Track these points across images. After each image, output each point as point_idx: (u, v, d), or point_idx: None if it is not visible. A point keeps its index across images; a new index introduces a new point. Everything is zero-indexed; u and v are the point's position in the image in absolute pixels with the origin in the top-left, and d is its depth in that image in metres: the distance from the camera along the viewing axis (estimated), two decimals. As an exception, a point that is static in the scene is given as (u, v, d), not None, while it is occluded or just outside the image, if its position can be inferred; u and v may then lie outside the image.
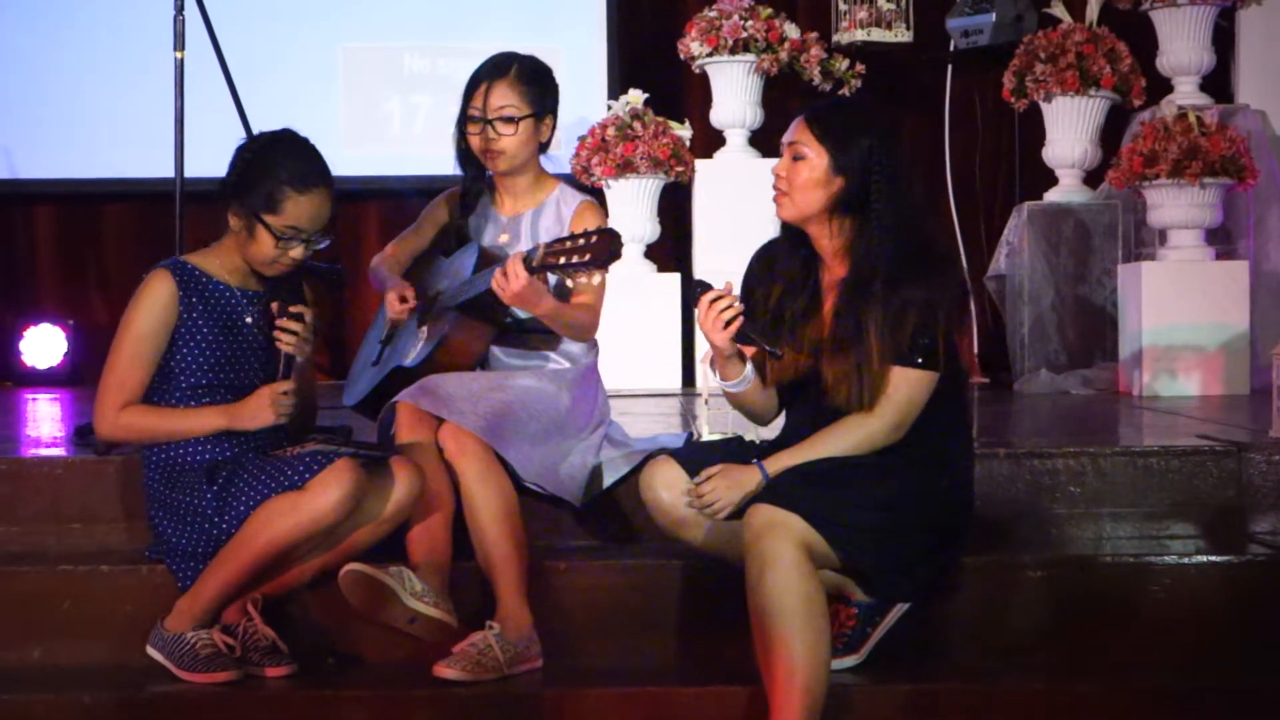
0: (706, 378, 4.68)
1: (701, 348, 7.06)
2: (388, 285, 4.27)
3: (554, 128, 4.30)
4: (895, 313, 3.68)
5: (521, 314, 4.15)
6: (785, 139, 3.81)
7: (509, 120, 4.19)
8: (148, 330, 3.93)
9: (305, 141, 4.01)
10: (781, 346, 3.75)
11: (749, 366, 3.80)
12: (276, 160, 3.94)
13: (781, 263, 3.87)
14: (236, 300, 4.01)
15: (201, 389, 3.96)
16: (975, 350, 8.01)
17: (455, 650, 3.80)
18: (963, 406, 3.92)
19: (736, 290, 3.79)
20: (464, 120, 4.25)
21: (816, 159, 3.75)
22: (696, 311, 3.76)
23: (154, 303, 3.94)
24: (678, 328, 7.59)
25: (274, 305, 3.96)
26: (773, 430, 4.01)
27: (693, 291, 3.79)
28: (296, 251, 3.95)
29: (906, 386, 3.71)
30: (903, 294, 3.68)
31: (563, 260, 3.84)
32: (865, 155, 3.73)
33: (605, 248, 3.81)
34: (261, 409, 3.91)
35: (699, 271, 7.64)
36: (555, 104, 4.29)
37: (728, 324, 3.71)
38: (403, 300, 4.20)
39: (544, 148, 4.31)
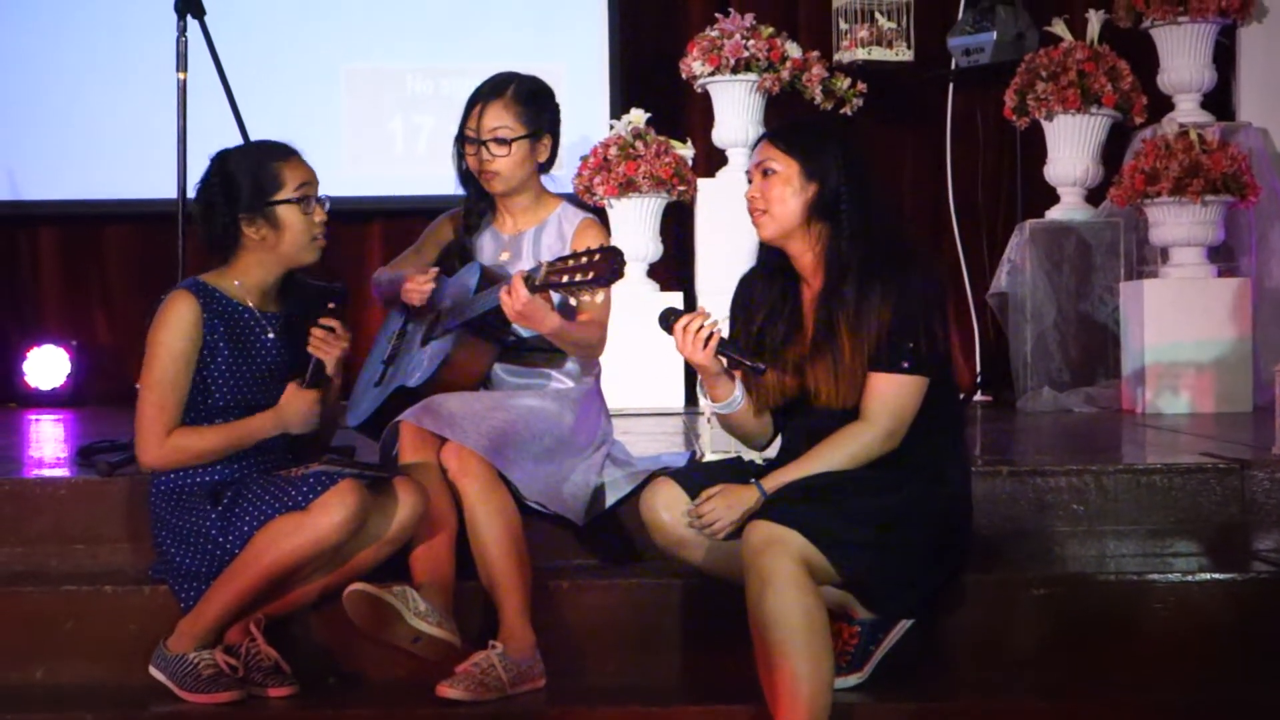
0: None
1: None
2: (400, 277, 4.26)
3: (553, 148, 4.29)
4: (866, 310, 3.72)
5: (524, 332, 4.15)
6: (752, 163, 3.87)
7: (502, 141, 4.20)
8: (178, 351, 3.93)
9: (246, 143, 4.11)
10: (764, 362, 3.77)
11: (738, 387, 3.82)
12: (243, 157, 4.02)
13: (760, 290, 3.91)
14: (256, 320, 4.02)
15: (219, 410, 3.96)
16: (978, 368, 8.01)
17: (458, 670, 3.80)
18: (956, 416, 3.94)
19: (717, 317, 3.82)
20: (461, 140, 4.26)
21: (787, 170, 3.80)
22: (674, 340, 3.78)
23: (180, 322, 3.94)
24: (680, 346, 7.58)
25: (330, 305, 3.99)
26: (772, 450, 4.01)
27: (665, 322, 3.81)
28: (320, 215, 4.01)
29: (895, 392, 3.73)
30: (873, 291, 3.72)
31: (565, 279, 3.84)
32: (832, 158, 3.79)
33: (607, 265, 3.81)
34: (311, 411, 3.96)
35: (701, 290, 7.65)
36: (554, 124, 4.29)
37: (705, 344, 3.73)
38: (424, 275, 4.20)
39: (545, 167, 4.31)
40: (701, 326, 3.75)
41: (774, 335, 3.86)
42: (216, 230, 3.99)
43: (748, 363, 3.75)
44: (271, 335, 4.02)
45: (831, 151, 3.80)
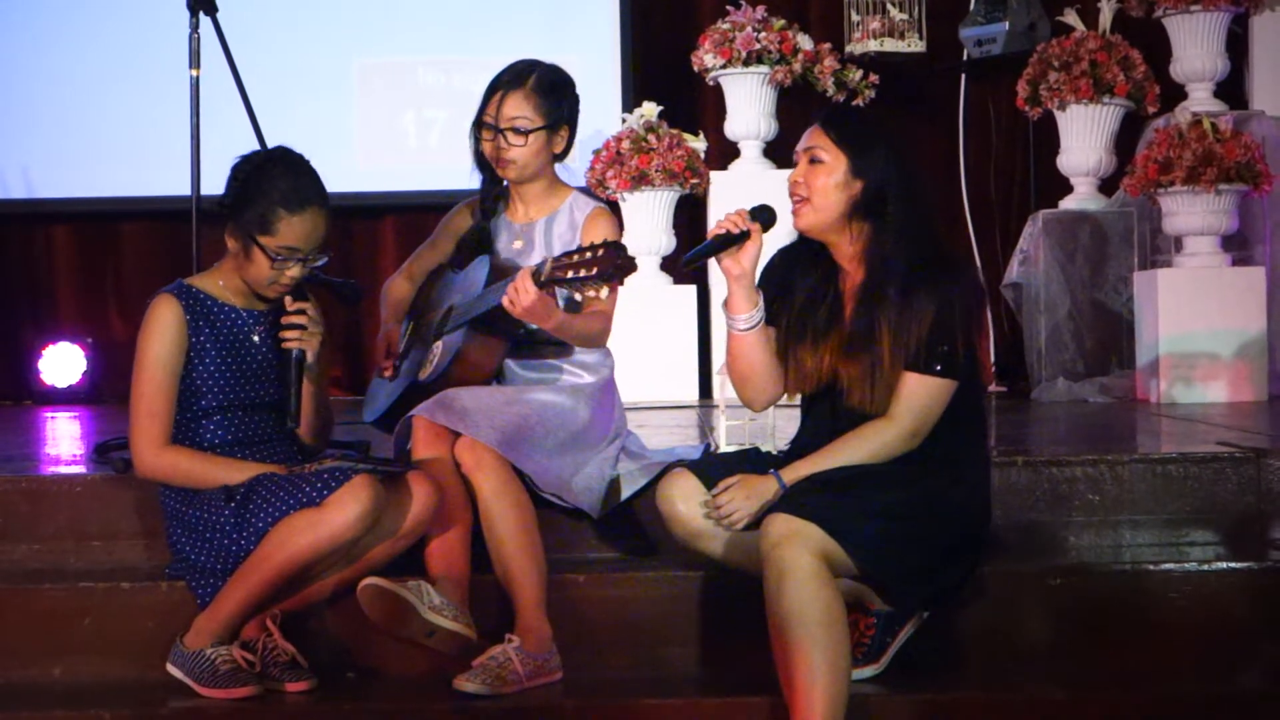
0: (724, 388, 4.69)
1: (718, 358, 7.08)
2: (382, 330, 4.32)
3: (570, 138, 4.29)
4: (909, 316, 3.68)
5: (534, 326, 4.15)
6: (800, 146, 3.81)
7: (519, 131, 4.19)
8: (164, 355, 3.93)
9: (299, 160, 3.99)
10: (805, 347, 3.76)
11: (759, 311, 3.79)
12: (269, 181, 3.92)
13: (802, 270, 3.86)
14: (242, 320, 4.01)
15: (213, 410, 3.96)
16: (992, 359, 8.00)
17: (475, 664, 3.80)
18: (979, 413, 3.91)
19: (743, 232, 3.77)
20: (479, 125, 4.26)
21: (835, 162, 3.75)
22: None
23: (164, 328, 3.94)
24: (694, 339, 7.60)
25: (290, 300, 3.98)
26: (788, 440, 4.00)
27: (755, 209, 3.78)
28: (294, 271, 3.94)
29: (924, 394, 3.71)
30: (917, 297, 3.68)
31: (570, 274, 3.82)
32: (882, 158, 3.74)
33: (612, 260, 3.78)
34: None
35: (714, 283, 7.64)
36: (573, 115, 4.28)
37: (724, 231, 3.73)
38: (387, 355, 4.29)
39: (560, 157, 4.31)
40: (735, 223, 3.72)
41: (815, 320, 3.81)
42: (217, 211, 3.99)
43: (690, 257, 3.75)
44: (259, 335, 4.02)
45: (882, 150, 3.74)
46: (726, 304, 3.83)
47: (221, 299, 4.01)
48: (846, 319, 3.79)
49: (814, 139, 3.79)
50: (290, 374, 3.98)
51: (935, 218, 3.84)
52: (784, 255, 3.93)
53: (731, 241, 3.75)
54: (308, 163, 3.99)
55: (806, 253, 3.87)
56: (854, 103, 7.63)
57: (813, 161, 3.77)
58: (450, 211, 4.47)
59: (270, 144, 4.77)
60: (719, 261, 3.78)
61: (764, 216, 3.79)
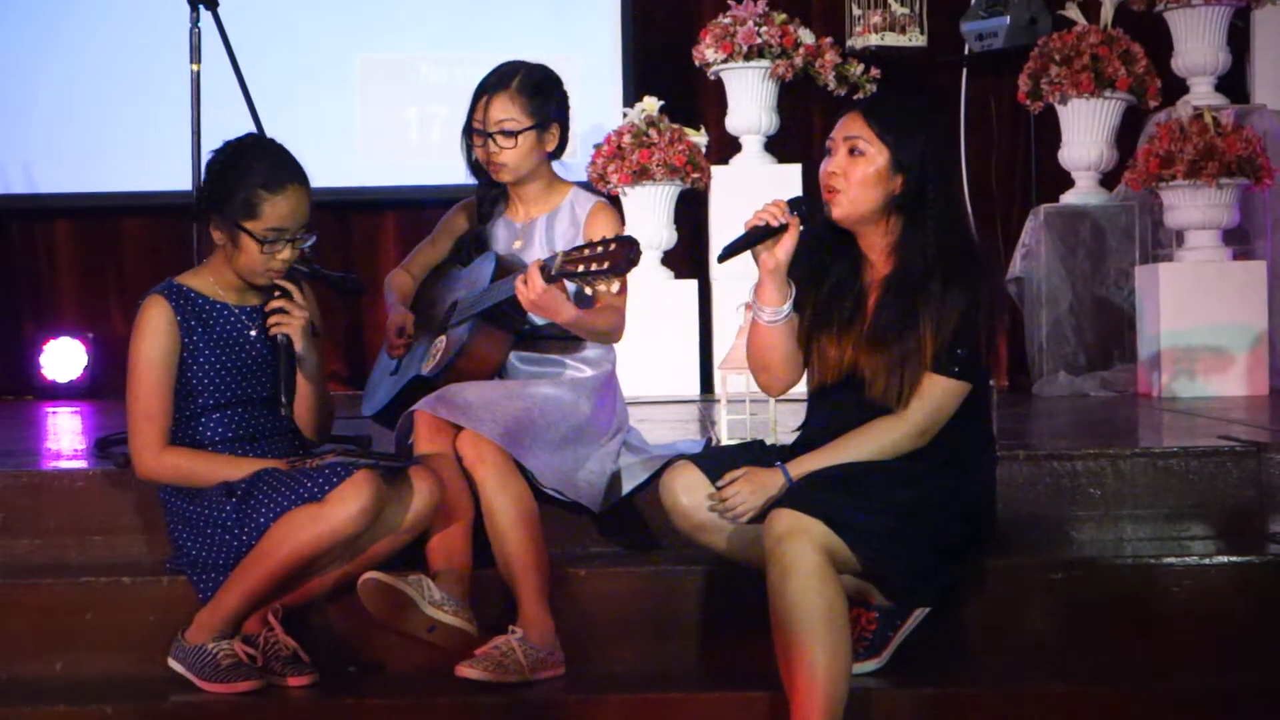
0: (725, 383, 4.69)
1: (719, 353, 7.08)
2: (391, 313, 4.29)
3: (562, 136, 4.27)
4: (948, 313, 3.65)
5: (539, 321, 4.15)
6: (839, 134, 3.73)
7: (508, 134, 4.18)
8: (156, 358, 3.93)
9: (272, 143, 4.00)
10: (828, 338, 3.73)
11: (789, 303, 3.76)
12: (246, 166, 3.92)
13: (829, 260, 3.81)
14: (235, 317, 4.01)
15: (211, 408, 3.96)
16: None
17: (478, 653, 3.80)
18: (987, 413, 3.90)
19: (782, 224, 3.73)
20: (468, 132, 4.25)
21: (877, 155, 3.69)
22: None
23: (155, 330, 3.93)
24: (695, 334, 7.59)
25: (275, 294, 3.96)
26: (792, 435, 4.00)
27: (794, 201, 3.74)
28: (284, 254, 3.93)
29: (940, 394, 3.70)
30: (953, 294, 3.65)
31: (580, 268, 3.84)
32: (923, 152, 3.69)
33: (623, 255, 3.80)
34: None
35: (715, 278, 7.64)
36: (562, 112, 4.27)
37: (763, 223, 3.69)
38: (400, 334, 4.24)
39: (555, 154, 4.30)
40: (774, 216, 3.68)
41: (841, 309, 3.78)
42: (196, 208, 3.99)
43: (725, 252, 3.70)
44: (254, 331, 4.01)
45: (923, 143, 3.69)
46: (756, 294, 3.79)
47: (213, 296, 4.00)
48: (869, 311, 3.76)
49: (855, 128, 3.72)
50: (281, 362, 3.97)
51: (967, 212, 3.81)
52: (812, 239, 3.82)
53: (769, 234, 3.71)
54: (282, 145, 4.00)
55: (834, 239, 3.81)
56: (855, 97, 7.62)
57: (852, 153, 3.72)
58: (449, 211, 4.47)
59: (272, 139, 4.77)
60: (754, 254, 3.74)
61: (803, 209, 3.73)
